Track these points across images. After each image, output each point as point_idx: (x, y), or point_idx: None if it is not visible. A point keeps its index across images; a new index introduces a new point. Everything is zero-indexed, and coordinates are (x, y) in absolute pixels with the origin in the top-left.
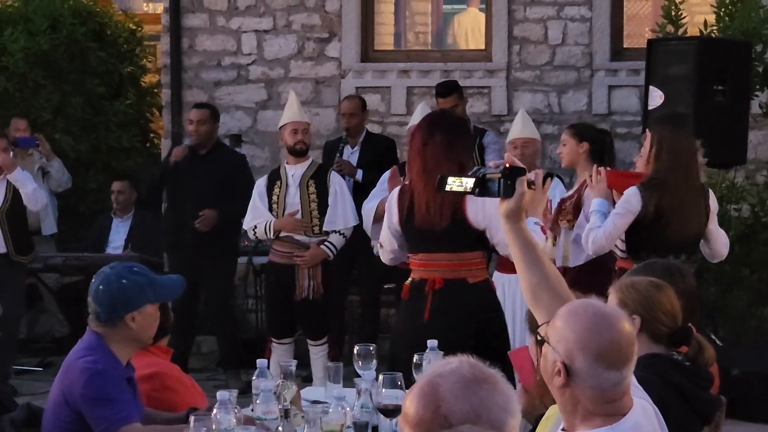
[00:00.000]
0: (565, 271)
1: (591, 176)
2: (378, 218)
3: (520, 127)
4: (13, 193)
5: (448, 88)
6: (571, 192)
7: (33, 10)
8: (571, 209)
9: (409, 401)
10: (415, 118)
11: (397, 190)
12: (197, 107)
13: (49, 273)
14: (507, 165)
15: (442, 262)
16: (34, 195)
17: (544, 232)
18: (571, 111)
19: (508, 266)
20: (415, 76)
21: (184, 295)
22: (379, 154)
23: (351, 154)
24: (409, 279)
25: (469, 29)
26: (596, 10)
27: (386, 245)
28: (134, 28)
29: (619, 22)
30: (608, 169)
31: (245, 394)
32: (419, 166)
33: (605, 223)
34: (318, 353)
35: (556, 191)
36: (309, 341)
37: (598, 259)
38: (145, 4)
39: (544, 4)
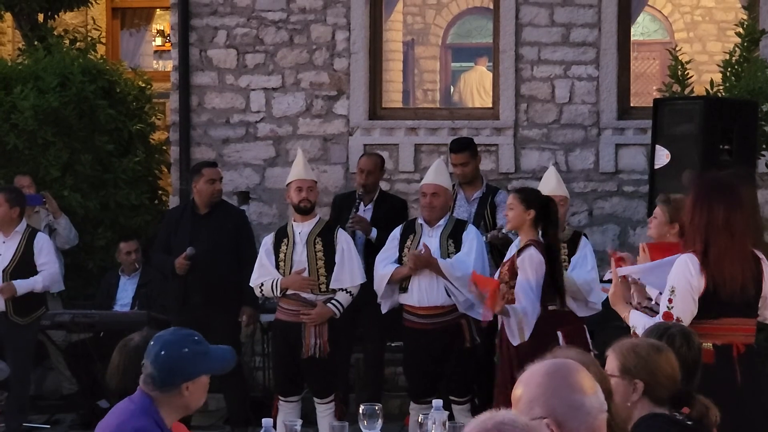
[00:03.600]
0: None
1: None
2: (392, 282)
3: (554, 185)
4: (21, 255)
5: (460, 145)
6: (508, 257)
7: (43, 68)
8: (507, 273)
9: None
10: (429, 176)
11: (692, 260)
12: (214, 166)
13: (57, 330)
14: None
15: (746, 326)
16: (47, 285)
17: None
18: (578, 169)
19: None
20: (423, 133)
21: None
22: (391, 214)
23: (364, 212)
24: (708, 344)
25: (477, 87)
26: (603, 69)
27: (688, 318)
28: (143, 85)
29: (626, 81)
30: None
31: None
32: (729, 234)
33: None
34: (324, 411)
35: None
36: (316, 399)
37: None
38: (155, 62)
39: (551, 63)
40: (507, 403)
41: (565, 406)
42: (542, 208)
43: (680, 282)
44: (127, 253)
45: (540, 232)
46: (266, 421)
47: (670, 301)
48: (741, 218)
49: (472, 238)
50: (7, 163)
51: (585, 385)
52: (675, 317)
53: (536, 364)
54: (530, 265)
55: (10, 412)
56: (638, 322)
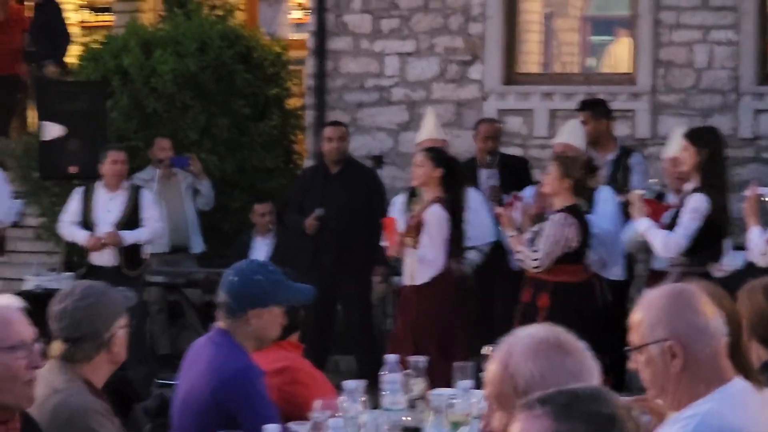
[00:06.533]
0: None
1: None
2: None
3: (675, 148)
4: (131, 210)
5: (582, 104)
6: (415, 212)
7: (182, 33)
8: (414, 228)
9: (491, 361)
10: (560, 135)
11: None
12: (334, 125)
13: (192, 289)
14: None
15: None
16: (150, 239)
17: None
18: None
19: None
20: (559, 99)
21: (321, 315)
22: (515, 174)
23: (488, 177)
24: None
25: (618, 59)
26: (743, 34)
27: None
28: (280, 51)
29: (766, 46)
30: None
31: None
32: None
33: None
34: None
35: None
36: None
37: (441, 275)
38: (292, 35)
39: (689, 28)
40: (398, 344)
41: (689, 328)
42: (450, 167)
43: None
44: (261, 215)
45: (445, 190)
46: (390, 356)
47: None
48: None
49: (605, 198)
50: (146, 126)
51: (707, 308)
52: None
53: (655, 289)
54: (434, 220)
55: (131, 363)
56: (752, 238)
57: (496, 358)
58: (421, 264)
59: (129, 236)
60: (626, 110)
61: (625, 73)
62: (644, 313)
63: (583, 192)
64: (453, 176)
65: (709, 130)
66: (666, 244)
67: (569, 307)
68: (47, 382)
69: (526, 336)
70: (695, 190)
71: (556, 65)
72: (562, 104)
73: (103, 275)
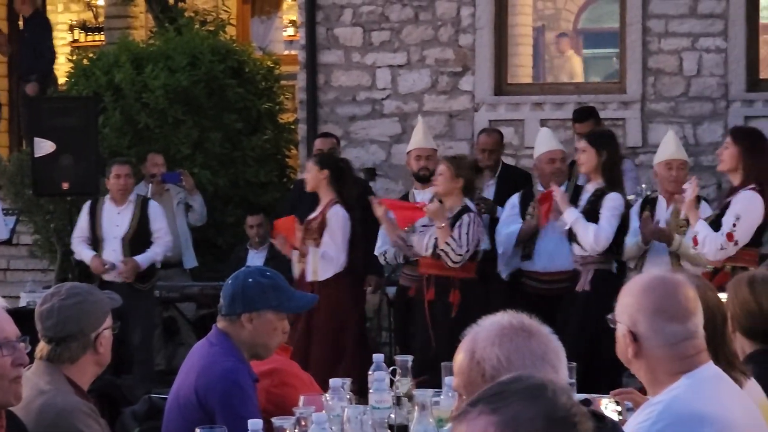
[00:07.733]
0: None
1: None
2: (520, 239)
3: (674, 149)
4: (138, 222)
5: (584, 113)
6: (315, 214)
7: (173, 48)
8: (317, 229)
9: (458, 351)
10: (549, 143)
11: (757, 196)
12: (323, 137)
13: (186, 303)
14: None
15: None
16: (165, 254)
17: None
18: (706, 142)
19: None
20: (549, 108)
21: None
22: (515, 187)
23: (488, 187)
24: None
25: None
26: (732, 41)
27: (743, 243)
28: (272, 65)
29: (755, 53)
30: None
31: None
32: None
33: None
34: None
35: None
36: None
37: (342, 273)
38: (285, 51)
39: (678, 36)
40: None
41: (646, 325)
42: (335, 170)
43: (746, 212)
44: (251, 227)
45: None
46: (377, 356)
47: (734, 225)
48: None
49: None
50: (139, 142)
51: (677, 310)
52: (735, 239)
53: (644, 275)
54: (334, 219)
55: (136, 380)
56: (702, 231)
57: (463, 347)
58: (323, 261)
59: (144, 260)
60: (616, 119)
61: (614, 82)
62: (622, 294)
63: (472, 192)
64: (340, 177)
65: (606, 134)
66: (597, 237)
67: (473, 301)
68: (32, 384)
69: (489, 323)
70: (608, 190)
71: (547, 77)
72: (552, 114)
73: (116, 290)
